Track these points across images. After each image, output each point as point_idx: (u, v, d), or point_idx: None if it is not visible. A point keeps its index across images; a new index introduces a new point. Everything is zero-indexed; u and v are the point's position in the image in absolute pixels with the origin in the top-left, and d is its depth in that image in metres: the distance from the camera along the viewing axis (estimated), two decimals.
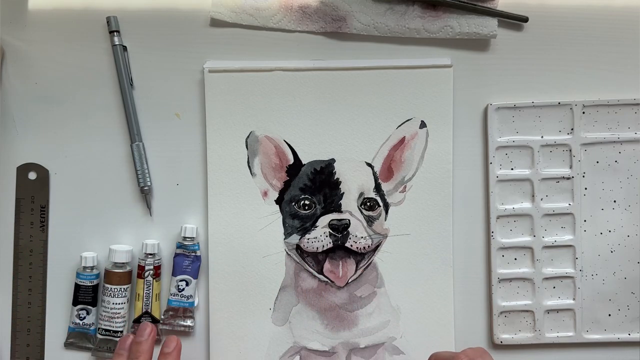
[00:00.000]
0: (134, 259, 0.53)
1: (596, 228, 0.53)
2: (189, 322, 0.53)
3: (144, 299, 0.52)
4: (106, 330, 0.52)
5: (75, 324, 0.52)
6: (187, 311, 0.52)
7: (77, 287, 0.52)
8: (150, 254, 0.52)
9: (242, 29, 0.53)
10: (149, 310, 0.52)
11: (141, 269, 0.52)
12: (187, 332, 0.53)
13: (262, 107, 0.53)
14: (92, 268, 0.52)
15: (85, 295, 0.52)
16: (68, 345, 0.53)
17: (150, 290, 0.52)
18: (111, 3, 0.53)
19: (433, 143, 0.53)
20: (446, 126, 0.53)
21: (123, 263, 0.52)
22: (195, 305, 0.53)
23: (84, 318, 0.52)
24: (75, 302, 0.52)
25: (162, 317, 0.53)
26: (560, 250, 0.53)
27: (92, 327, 0.52)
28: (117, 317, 0.51)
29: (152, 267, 0.52)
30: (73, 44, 0.53)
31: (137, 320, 0.52)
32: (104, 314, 0.52)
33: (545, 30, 0.53)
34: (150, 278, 0.52)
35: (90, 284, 0.52)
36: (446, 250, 0.53)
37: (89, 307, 0.52)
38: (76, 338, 0.52)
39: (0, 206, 0.53)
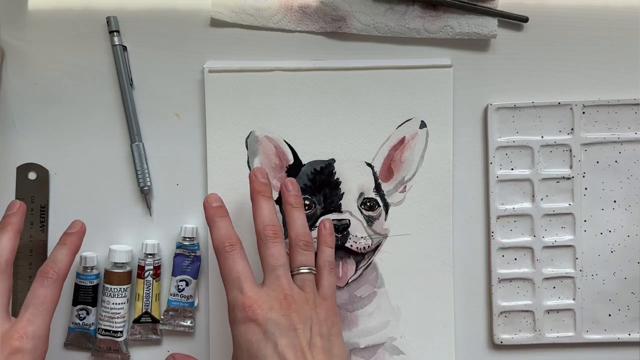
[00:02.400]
0: (133, 259, 0.53)
1: (596, 228, 0.53)
2: (188, 322, 0.53)
3: (144, 299, 0.52)
4: (106, 330, 0.52)
5: (75, 324, 0.52)
6: (187, 311, 0.52)
7: (77, 287, 0.52)
8: (150, 254, 0.52)
9: (242, 29, 0.53)
10: (149, 311, 0.52)
11: (141, 269, 0.52)
12: (187, 332, 0.53)
13: (262, 107, 0.53)
14: (92, 268, 0.52)
15: (85, 295, 0.52)
16: (68, 345, 0.53)
17: (150, 291, 0.52)
18: (111, 3, 0.53)
19: (433, 143, 0.53)
20: (446, 126, 0.53)
21: (123, 263, 0.52)
22: (195, 305, 0.53)
23: (84, 318, 0.52)
24: (75, 302, 0.52)
25: (162, 317, 0.53)
26: (560, 251, 0.53)
27: (92, 327, 0.52)
28: (117, 317, 0.51)
29: (152, 267, 0.52)
30: (73, 44, 0.53)
31: (137, 321, 0.52)
32: (103, 314, 0.52)
33: (545, 30, 0.53)
34: (150, 278, 0.52)
35: (90, 284, 0.52)
36: (446, 250, 0.53)
37: (89, 307, 0.52)
38: (76, 338, 0.52)
39: (0, 206, 0.53)
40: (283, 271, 0.45)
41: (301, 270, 0.46)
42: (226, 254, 0.45)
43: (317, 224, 0.52)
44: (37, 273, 0.45)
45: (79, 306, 0.52)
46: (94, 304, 0.52)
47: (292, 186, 0.49)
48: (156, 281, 0.52)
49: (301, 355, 0.42)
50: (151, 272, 0.52)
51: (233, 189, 0.53)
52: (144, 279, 0.52)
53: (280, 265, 0.45)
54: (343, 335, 0.53)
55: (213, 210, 0.47)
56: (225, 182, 0.53)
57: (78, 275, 0.52)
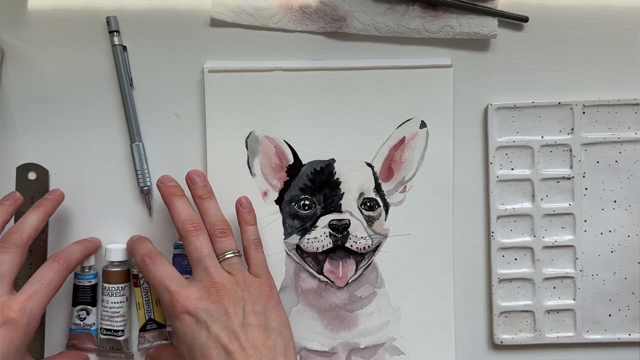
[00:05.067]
0: (130, 257, 0.53)
1: (596, 228, 0.53)
2: None
3: (145, 307, 0.52)
4: (107, 330, 0.51)
5: (76, 324, 0.52)
6: None
7: (76, 288, 0.52)
8: None
9: (242, 29, 0.53)
10: (152, 317, 0.52)
11: (135, 277, 0.52)
12: None
13: (262, 107, 0.53)
14: (89, 268, 0.52)
15: (84, 295, 0.51)
16: (70, 346, 0.52)
17: (149, 297, 0.52)
18: (111, 3, 0.53)
19: (433, 143, 0.53)
20: (446, 126, 0.53)
21: (119, 262, 0.52)
22: None
23: (84, 318, 0.52)
24: (74, 303, 0.52)
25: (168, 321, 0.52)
26: (560, 251, 0.53)
27: (94, 327, 0.52)
28: (117, 316, 0.51)
29: None
30: (73, 44, 0.53)
31: (143, 329, 0.52)
32: (104, 313, 0.52)
33: (545, 30, 0.53)
34: (146, 285, 0.52)
35: (88, 284, 0.51)
36: (446, 250, 0.53)
37: (89, 307, 0.52)
38: (77, 339, 0.52)
39: None
40: (209, 261, 0.46)
41: (226, 256, 0.47)
42: (147, 266, 0.47)
43: (317, 223, 0.52)
44: (49, 258, 0.48)
45: (79, 306, 0.52)
46: (93, 303, 0.52)
47: (198, 177, 0.50)
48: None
49: (234, 337, 0.44)
50: (145, 278, 0.52)
51: (233, 189, 0.52)
52: (140, 286, 0.52)
53: (204, 256, 0.46)
54: (343, 336, 0.53)
55: (132, 239, 0.51)
56: (225, 182, 0.53)
57: (76, 275, 0.52)
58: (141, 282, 0.52)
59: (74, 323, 0.52)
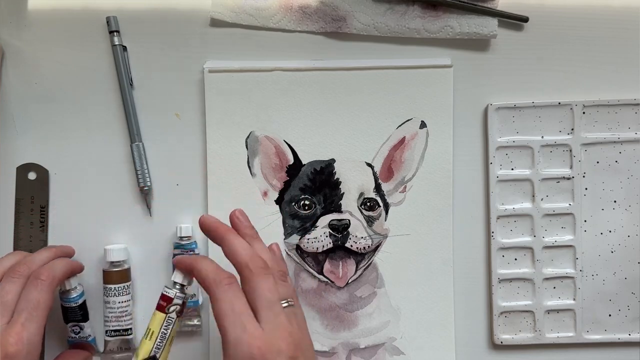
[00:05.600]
0: (130, 257, 0.52)
1: (596, 228, 0.53)
2: (195, 321, 0.52)
3: (157, 340, 0.44)
4: (115, 330, 0.51)
5: (73, 337, 0.51)
6: (192, 310, 0.52)
7: (64, 309, 0.50)
8: (181, 285, 0.45)
9: (242, 29, 0.53)
10: (157, 356, 0.44)
11: (167, 300, 0.45)
12: (195, 332, 0.53)
13: (262, 107, 0.53)
14: (74, 289, 0.50)
15: (74, 315, 0.50)
16: None
17: (168, 332, 0.44)
18: (111, 3, 0.53)
19: (433, 143, 0.53)
20: (446, 126, 0.53)
21: (120, 261, 0.51)
22: (200, 303, 0.53)
23: (79, 332, 0.51)
24: (66, 321, 0.51)
25: None
26: (560, 251, 0.53)
27: (90, 338, 0.51)
28: (125, 315, 0.51)
29: (181, 301, 0.45)
30: (73, 44, 0.53)
31: None
32: (110, 315, 0.51)
33: (545, 30, 0.53)
34: (174, 315, 0.44)
35: (75, 305, 0.50)
36: (446, 250, 0.53)
37: (81, 323, 0.51)
38: (77, 348, 0.52)
39: (0, 206, 0.53)
40: (280, 307, 0.42)
41: (290, 302, 0.43)
42: (226, 287, 0.42)
43: (317, 223, 0.52)
44: (31, 276, 0.46)
45: (71, 323, 0.51)
46: (84, 319, 0.51)
47: (243, 217, 0.46)
48: (179, 320, 0.46)
49: None
50: (178, 307, 0.45)
51: (233, 189, 0.52)
52: (166, 313, 0.44)
53: (277, 300, 0.42)
54: (343, 336, 0.53)
55: (195, 258, 0.45)
56: (225, 182, 0.53)
57: (62, 298, 0.50)
58: (170, 309, 0.44)
59: (69, 336, 0.51)
